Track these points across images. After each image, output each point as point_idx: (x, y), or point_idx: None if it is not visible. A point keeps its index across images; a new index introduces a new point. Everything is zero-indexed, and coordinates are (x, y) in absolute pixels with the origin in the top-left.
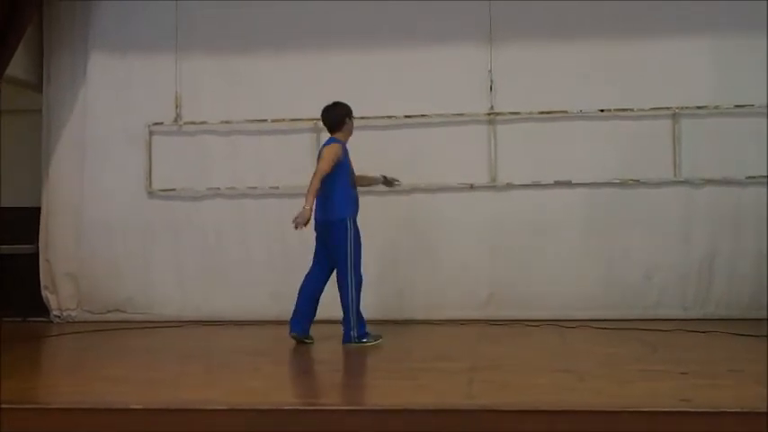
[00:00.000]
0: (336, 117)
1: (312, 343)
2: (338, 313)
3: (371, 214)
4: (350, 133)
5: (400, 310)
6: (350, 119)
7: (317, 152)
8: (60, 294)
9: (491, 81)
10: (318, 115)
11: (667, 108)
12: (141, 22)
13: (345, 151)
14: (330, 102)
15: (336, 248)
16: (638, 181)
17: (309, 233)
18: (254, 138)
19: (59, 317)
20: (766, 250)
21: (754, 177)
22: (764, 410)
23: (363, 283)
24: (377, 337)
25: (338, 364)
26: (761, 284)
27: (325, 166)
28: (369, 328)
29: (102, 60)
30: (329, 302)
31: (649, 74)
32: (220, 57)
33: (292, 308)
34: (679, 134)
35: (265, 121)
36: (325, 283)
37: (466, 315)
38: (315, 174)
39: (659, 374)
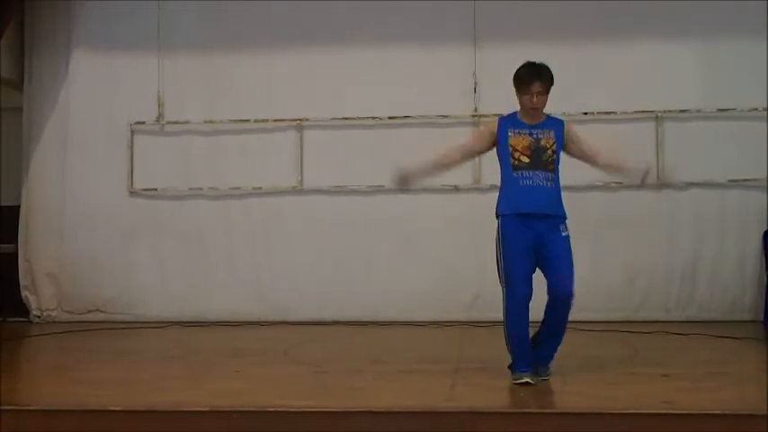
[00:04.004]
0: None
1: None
2: None
3: (355, 215)
4: (523, 106)
5: (385, 312)
6: (520, 85)
7: None
8: (40, 294)
9: (475, 83)
10: (301, 115)
11: (651, 111)
12: (124, 21)
13: (507, 126)
14: None
15: None
16: (621, 184)
17: (299, 235)
18: (237, 138)
19: (39, 317)
20: (765, 253)
21: (736, 180)
22: (746, 412)
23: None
24: (520, 377)
25: (323, 365)
26: (743, 287)
27: (469, 138)
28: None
29: (84, 59)
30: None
31: (633, 77)
32: (203, 56)
33: (277, 309)
34: (662, 137)
35: (248, 120)
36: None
37: (450, 317)
38: None
39: (641, 377)
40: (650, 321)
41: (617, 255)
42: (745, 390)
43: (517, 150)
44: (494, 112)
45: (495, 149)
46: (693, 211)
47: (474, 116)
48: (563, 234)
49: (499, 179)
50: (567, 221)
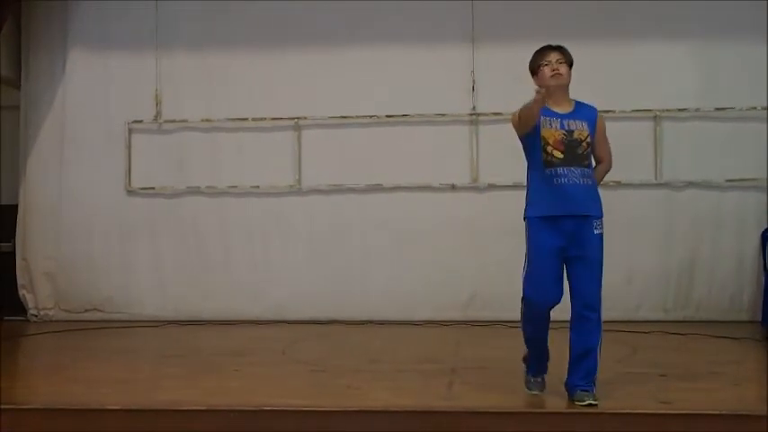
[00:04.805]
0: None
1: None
2: None
3: (353, 213)
4: (545, 82)
5: (382, 311)
6: (536, 62)
7: None
8: (38, 293)
9: (473, 81)
10: (299, 114)
11: (649, 110)
12: (121, 19)
13: (542, 111)
14: None
15: None
16: (619, 183)
17: (296, 234)
18: (234, 136)
19: (37, 316)
20: (763, 253)
21: (733, 180)
22: (743, 413)
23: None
24: (531, 385)
25: (320, 364)
26: (741, 287)
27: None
28: (536, 371)
29: (82, 58)
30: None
31: (631, 76)
32: (200, 55)
33: (275, 308)
34: (660, 137)
35: (246, 119)
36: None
37: (447, 316)
38: None
39: (639, 376)
40: (648, 321)
41: (615, 254)
42: (743, 390)
43: (549, 144)
44: (492, 111)
45: (523, 140)
46: (691, 211)
47: (472, 115)
48: (595, 231)
49: (496, 180)
50: (602, 219)
